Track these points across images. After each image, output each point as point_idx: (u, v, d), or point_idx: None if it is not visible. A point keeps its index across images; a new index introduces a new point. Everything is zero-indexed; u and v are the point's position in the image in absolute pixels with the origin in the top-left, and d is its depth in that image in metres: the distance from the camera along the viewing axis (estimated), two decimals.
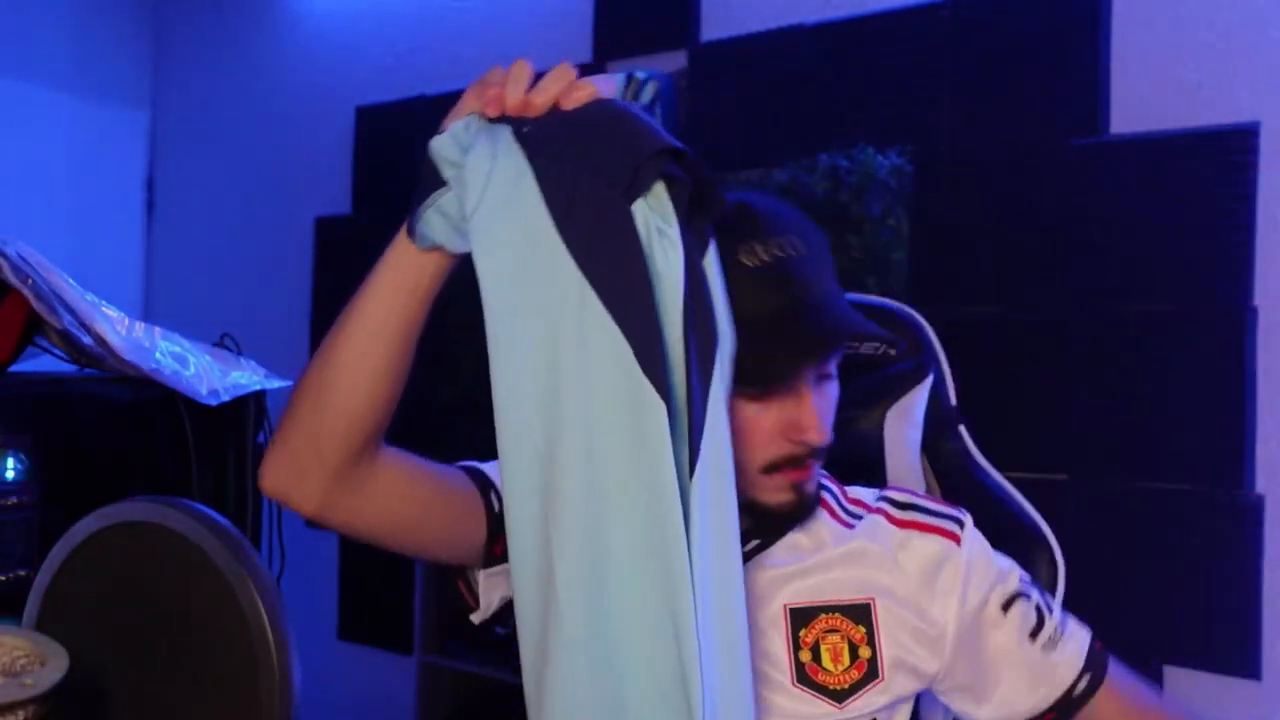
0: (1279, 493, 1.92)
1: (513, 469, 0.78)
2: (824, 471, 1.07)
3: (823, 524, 1.05)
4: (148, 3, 3.89)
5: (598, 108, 0.80)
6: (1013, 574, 1.06)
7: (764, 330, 0.90)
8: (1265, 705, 1.92)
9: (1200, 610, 1.97)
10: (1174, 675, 2.00)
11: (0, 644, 0.85)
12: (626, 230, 0.75)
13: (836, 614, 1.01)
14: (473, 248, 0.78)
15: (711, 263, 0.80)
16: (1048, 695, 1.03)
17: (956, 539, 1.04)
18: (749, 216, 0.96)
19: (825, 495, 1.07)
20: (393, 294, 0.87)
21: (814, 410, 0.96)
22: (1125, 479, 2.05)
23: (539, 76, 0.81)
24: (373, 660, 3.24)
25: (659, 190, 0.76)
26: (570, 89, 0.79)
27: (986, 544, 1.06)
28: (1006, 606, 1.04)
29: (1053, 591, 1.17)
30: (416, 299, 0.87)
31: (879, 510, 1.07)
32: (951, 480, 1.22)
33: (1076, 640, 1.05)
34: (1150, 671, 2.01)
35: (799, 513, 1.01)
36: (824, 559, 1.03)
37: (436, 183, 0.81)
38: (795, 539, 1.04)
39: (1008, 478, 1.26)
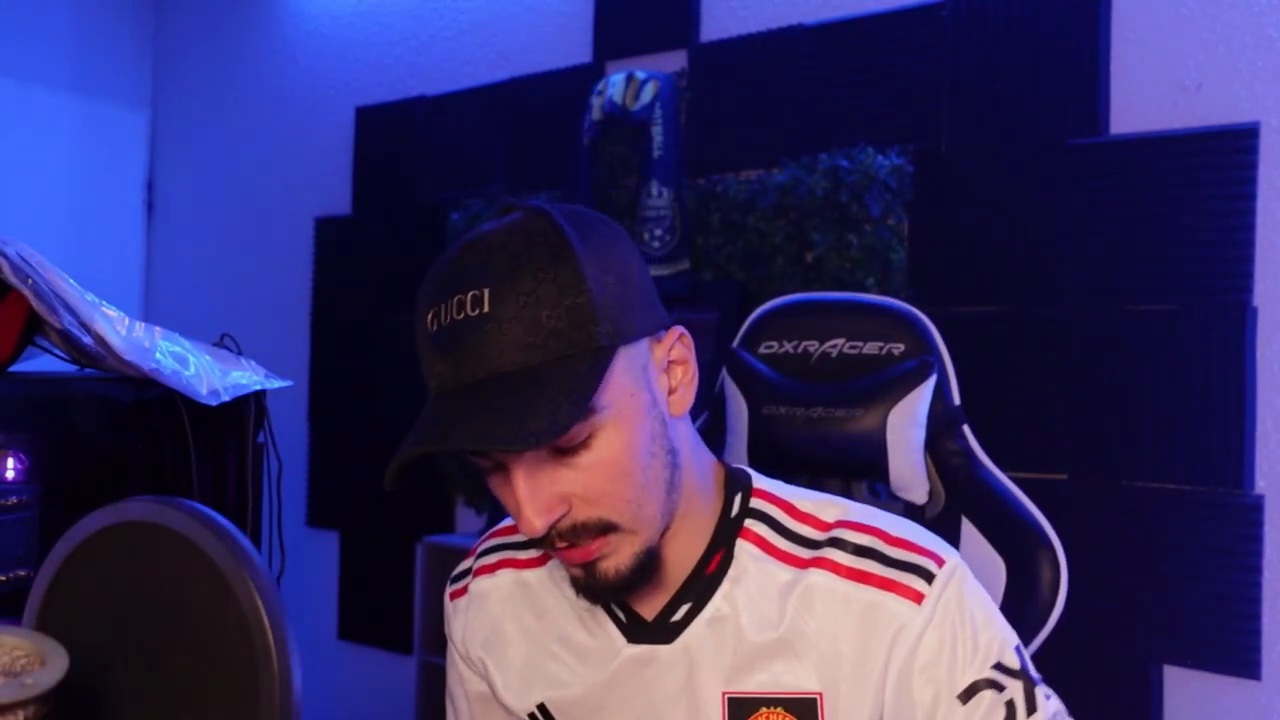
0: (1279, 493, 1.92)
1: None
2: (764, 480, 0.92)
3: (760, 584, 0.88)
4: (148, 3, 3.89)
5: None
6: (988, 651, 0.84)
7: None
8: (1265, 705, 1.92)
9: (1200, 610, 1.97)
10: (1174, 675, 2.00)
11: (0, 644, 0.85)
12: None
13: (779, 709, 0.86)
14: None
15: None
16: None
17: (918, 598, 0.83)
18: (462, 263, 0.79)
19: (759, 529, 0.89)
20: None
21: (519, 496, 0.79)
22: (1125, 479, 2.05)
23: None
24: (373, 660, 3.24)
25: None
26: None
27: (965, 599, 0.85)
28: (967, 696, 0.83)
29: (1055, 593, 1.16)
30: None
31: (826, 560, 0.87)
32: (955, 480, 1.22)
33: None
34: (1150, 671, 2.01)
35: (602, 589, 0.84)
36: (765, 642, 0.87)
37: None
38: (733, 608, 0.88)
39: (1007, 477, 1.25)
